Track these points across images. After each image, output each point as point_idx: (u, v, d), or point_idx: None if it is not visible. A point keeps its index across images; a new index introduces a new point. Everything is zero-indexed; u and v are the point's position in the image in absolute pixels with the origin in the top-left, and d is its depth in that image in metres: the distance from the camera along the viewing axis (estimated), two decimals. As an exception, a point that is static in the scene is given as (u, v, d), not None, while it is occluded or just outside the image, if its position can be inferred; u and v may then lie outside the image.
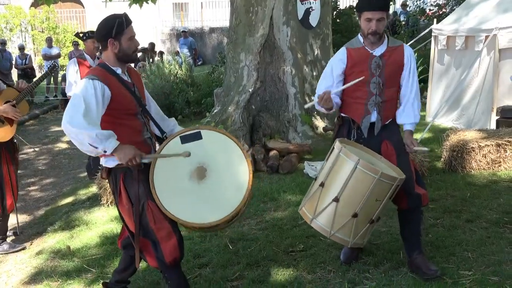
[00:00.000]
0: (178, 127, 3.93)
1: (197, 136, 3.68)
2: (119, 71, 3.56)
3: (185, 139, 3.66)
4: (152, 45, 19.37)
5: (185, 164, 3.58)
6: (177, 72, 12.78)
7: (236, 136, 7.88)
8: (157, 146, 3.80)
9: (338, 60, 4.12)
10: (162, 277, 3.79)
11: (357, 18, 4.05)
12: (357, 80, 3.95)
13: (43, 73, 6.25)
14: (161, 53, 19.25)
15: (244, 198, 3.60)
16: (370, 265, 4.34)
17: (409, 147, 4.09)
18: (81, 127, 3.21)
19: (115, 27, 3.45)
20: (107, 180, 3.82)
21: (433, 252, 4.44)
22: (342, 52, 4.13)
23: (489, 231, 4.81)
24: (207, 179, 3.62)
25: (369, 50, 4.04)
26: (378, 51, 4.03)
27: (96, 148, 3.28)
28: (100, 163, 3.63)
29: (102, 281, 4.06)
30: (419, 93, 4.15)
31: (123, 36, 3.49)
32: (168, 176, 3.56)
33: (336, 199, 3.78)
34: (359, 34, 4.11)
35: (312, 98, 4.10)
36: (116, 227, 5.50)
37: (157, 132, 3.84)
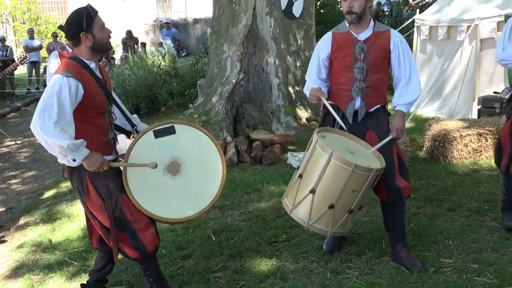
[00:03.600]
0: (142, 124, 3.92)
1: (171, 131, 3.66)
2: (93, 65, 3.48)
3: (158, 133, 3.63)
4: (129, 33, 19.17)
5: (159, 159, 3.55)
6: (160, 64, 12.70)
7: (219, 128, 7.90)
8: (122, 141, 3.78)
9: (324, 44, 4.13)
10: (140, 269, 3.77)
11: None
12: (337, 117, 3.98)
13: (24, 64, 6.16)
14: (144, 44, 19.10)
15: (219, 191, 3.61)
16: (352, 254, 4.36)
17: (396, 132, 4.00)
18: (52, 137, 3.15)
19: (84, 20, 3.37)
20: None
21: (414, 241, 4.47)
22: (327, 37, 4.13)
23: (470, 220, 4.85)
24: (181, 173, 3.61)
25: (354, 34, 4.02)
26: (363, 35, 4.00)
27: (66, 156, 3.24)
28: (61, 162, 3.51)
29: (81, 283, 4.02)
30: (414, 75, 4.05)
31: (94, 27, 3.41)
32: (142, 172, 3.53)
33: (312, 191, 3.79)
34: (345, 20, 4.10)
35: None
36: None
37: (127, 127, 3.83)
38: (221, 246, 4.69)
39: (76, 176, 3.52)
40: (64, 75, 3.27)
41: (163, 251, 4.64)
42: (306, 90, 4.20)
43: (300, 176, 3.89)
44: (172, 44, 18.93)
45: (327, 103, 4.04)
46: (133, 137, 3.81)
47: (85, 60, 3.45)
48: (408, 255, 4.09)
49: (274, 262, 4.33)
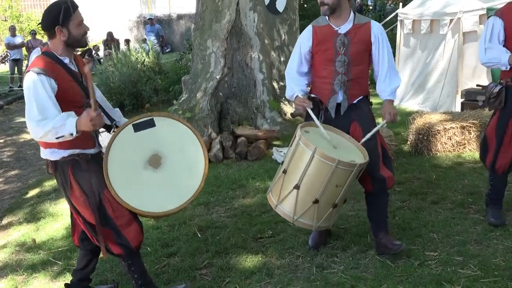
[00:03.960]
0: (123, 118, 3.89)
1: (150, 124, 3.63)
2: (66, 60, 3.43)
3: (138, 127, 3.60)
4: (110, 34, 19.05)
5: (139, 152, 3.53)
6: (144, 60, 12.63)
7: (204, 124, 7.87)
8: (103, 135, 3.74)
9: (305, 38, 4.11)
10: (124, 266, 3.75)
11: None
12: (321, 128, 3.96)
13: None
14: (127, 41, 18.99)
15: (201, 184, 3.59)
16: (338, 249, 4.37)
17: (390, 116, 4.00)
18: (38, 133, 3.17)
19: (62, 14, 3.30)
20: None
21: (399, 235, 4.49)
22: (308, 30, 4.11)
23: (454, 212, 4.88)
24: (162, 167, 3.58)
25: (334, 27, 4.00)
26: (344, 28, 3.99)
27: (63, 136, 3.20)
28: (44, 157, 3.51)
29: (65, 283, 3.99)
30: (393, 67, 4.08)
31: (71, 23, 3.34)
32: (123, 166, 3.50)
33: (297, 187, 3.79)
34: None
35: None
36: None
37: (106, 121, 3.76)
38: (207, 243, 4.67)
39: (60, 172, 3.48)
40: (35, 72, 3.23)
41: (148, 249, 4.61)
42: (289, 93, 4.18)
43: (285, 171, 3.89)
44: (156, 41, 18.81)
45: (312, 114, 4.00)
46: (113, 131, 3.77)
47: (58, 56, 3.39)
48: (389, 239, 4.13)
49: (260, 258, 4.33)
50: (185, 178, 3.61)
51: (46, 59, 3.35)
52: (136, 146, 3.56)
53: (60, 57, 3.41)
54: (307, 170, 3.73)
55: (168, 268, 4.31)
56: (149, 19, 20.27)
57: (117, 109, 3.95)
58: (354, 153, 3.91)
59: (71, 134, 3.20)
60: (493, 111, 4.59)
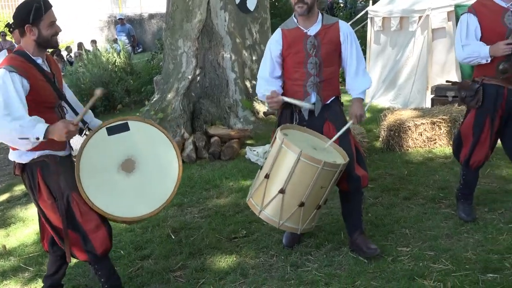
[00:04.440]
0: (96, 120, 3.84)
1: (125, 127, 3.60)
2: (39, 60, 3.39)
3: (111, 131, 3.57)
4: (80, 45, 18.83)
5: (112, 156, 3.50)
6: (116, 61, 12.52)
7: (177, 124, 7.83)
8: (75, 138, 3.70)
9: (275, 42, 4.10)
10: (91, 270, 3.70)
11: None
12: (305, 104, 3.97)
13: None
14: (94, 42, 18.74)
15: (174, 189, 3.57)
16: (312, 247, 4.39)
17: (356, 118, 4.04)
18: (5, 127, 3.07)
19: (32, 13, 3.25)
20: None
21: (372, 231, 4.53)
22: (277, 34, 4.10)
23: (425, 207, 4.94)
24: (135, 171, 3.55)
25: (303, 29, 4.01)
26: (313, 30, 4.00)
27: (28, 138, 3.13)
28: (12, 159, 3.45)
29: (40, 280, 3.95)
30: (364, 66, 4.12)
31: (41, 22, 3.30)
32: (95, 170, 3.47)
33: (282, 191, 3.77)
34: (293, 15, 4.09)
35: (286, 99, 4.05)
36: (54, 223, 5.36)
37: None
38: (181, 245, 4.65)
39: (28, 173, 3.42)
40: (7, 69, 3.17)
41: (122, 252, 4.58)
42: (259, 91, 4.18)
43: (267, 176, 3.84)
44: (127, 40, 18.67)
45: (287, 98, 4.00)
46: (85, 134, 3.72)
47: (31, 55, 3.34)
48: (364, 240, 4.15)
49: (234, 258, 4.32)
50: (159, 183, 3.58)
51: (19, 58, 3.30)
52: (109, 150, 3.52)
53: (33, 57, 3.35)
54: (292, 173, 3.71)
55: (142, 271, 4.27)
56: (119, 19, 20.10)
57: (89, 111, 3.88)
58: (333, 153, 3.93)
59: (37, 138, 3.13)
60: (466, 107, 4.62)
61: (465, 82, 4.63)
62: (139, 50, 20.70)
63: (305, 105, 4.00)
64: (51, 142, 3.30)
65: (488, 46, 4.13)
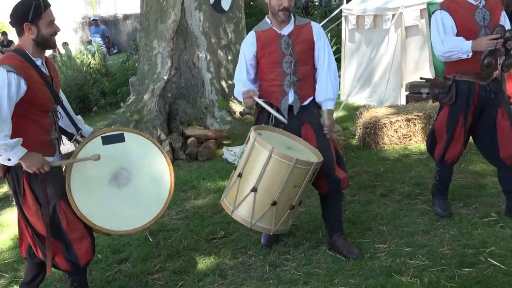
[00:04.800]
0: (87, 127, 3.77)
1: (120, 138, 3.55)
2: (39, 62, 3.30)
3: (106, 140, 3.51)
4: (65, 44, 18.59)
5: (105, 167, 3.45)
6: (90, 62, 12.41)
7: (153, 126, 7.79)
8: (66, 144, 3.65)
9: (249, 44, 4.11)
10: (67, 280, 3.66)
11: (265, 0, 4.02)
12: (278, 115, 3.99)
13: None
14: (65, 44, 18.48)
15: (165, 205, 3.55)
16: (290, 246, 4.40)
17: (326, 129, 4.05)
18: None
19: (32, 11, 3.16)
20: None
21: (350, 228, 4.55)
22: (251, 36, 4.11)
23: (402, 204, 4.98)
24: (127, 184, 3.51)
25: (277, 30, 4.03)
26: (286, 30, 4.02)
27: (0, 155, 3.09)
28: None
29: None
30: (335, 68, 4.13)
31: (41, 21, 3.22)
32: (87, 180, 3.41)
33: (254, 189, 3.77)
34: (266, 17, 4.10)
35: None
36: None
37: (71, 129, 3.65)
38: (159, 247, 4.63)
39: (12, 176, 3.34)
40: (5, 69, 3.08)
41: (99, 256, 4.53)
42: (238, 95, 4.16)
43: (240, 175, 3.85)
44: (101, 42, 18.48)
45: (260, 101, 4.01)
46: (75, 140, 3.65)
47: (31, 56, 3.26)
48: (345, 243, 4.17)
49: (213, 260, 4.31)
50: (149, 198, 3.56)
51: (18, 57, 3.21)
52: (102, 160, 3.44)
53: (33, 58, 3.27)
54: (264, 170, 3.71)
55: (120, 274, 4.24)
56: (93, 20, 19.90)
57: (79, 116, 3.81)
58: (308, 153, 3.93)
59: (9, 160, 3.11)
60: (438, 104, 4.66)
61: (436, 79, 4.67)
62: (114, 51, 20.53)
63: (277, 115, 4.00)
64: (40, 147, 3.27)
65: (470, 41, 4.15)
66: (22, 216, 3.44)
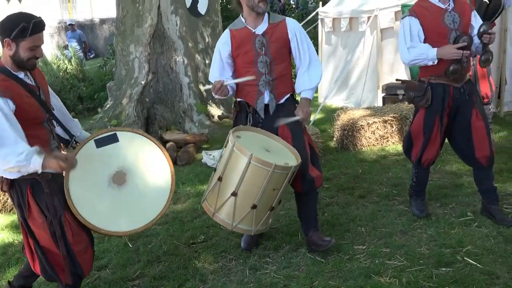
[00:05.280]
0: (84, 132, 3.73)
1: (113, 139, 3.50)
2: (21, 75, 3.24)
3: (100, 143, 3.47)
4: None
5: (103, 169, 3.42)
6: (67, 67, 12.30)
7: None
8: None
9: (223, 43, 4.12)
10: None
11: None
12: (247, 78, 3.98)
13: None
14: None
15: (168, 201, 3.52)
16: (270, 249, 4.41)
17: (303, 113, 4.06)
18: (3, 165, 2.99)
19: (17, 30, 3.10)
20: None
21: (329, 231, 4.58)
22: (225, 35, 4.12)
23: (380, 205, 5.03)
24: (127, 183, 3.48)
25: (251, 29, 4.04)
26: (260, 29, 4.04)
27: (28, 172, 3.07)
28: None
29: (8, 281, 3.84)
30: (317, 61, 4.14)
31: (23, 42, 3.13)
32: (85, 184, 3.38)
33: (234, 194, 3.79)
34: (240, 15, 4.11)
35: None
36: (7, 237, 5.23)
37: (65, 135, 3.60)
38: (138, 253, 4.61)
39: (16, 190, 3.29)
40: None
41: (78, 263, 4.49)
42: (212, 89, 4.18)
43: (220, 179, 3.87)
44: (78, 47, 18.34)
45: (231, 81, 4.04)
46: (72, 147, 3.60)
47: (11, 70, 3.20)
48: (319, 234, 4.21)
49: (193, 264, 4.31)
50: (151, 195, 3.52)
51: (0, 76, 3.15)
52: (98, 163, 3.42)
53: (14, 72, 3.20)
54: (244, 176, 3.73)
55: (99, 281, 4.21)
56: (69, 24, 19.73)
57: (76, 120, 3.77)
58: (286, 155, 3.95)
59: (37, 172, 3.07)
60: (414, 106, 4.72)
61: (411, 82, 4.72)
62: (91, 56, 20.38)
63: (246, 79, 3.98)
64: None
65: (436, 49, 4.20)
66: (27, 229, 3.38)
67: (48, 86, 3.52)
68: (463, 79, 4.38)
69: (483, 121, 4.38)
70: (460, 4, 4.34)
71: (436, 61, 4.22)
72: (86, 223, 3.35)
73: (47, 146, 3.33)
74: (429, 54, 4.23)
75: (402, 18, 4.47)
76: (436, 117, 4.42)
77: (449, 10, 4.28)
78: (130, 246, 4.75)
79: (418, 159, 4.61)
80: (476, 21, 4.36)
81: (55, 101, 3.59)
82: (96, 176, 3.44)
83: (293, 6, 17.40)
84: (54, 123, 3.47)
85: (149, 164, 3.59)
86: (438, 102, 4.39)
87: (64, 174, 3.36)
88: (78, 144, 3.55)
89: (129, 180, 3.50)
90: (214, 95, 4.17)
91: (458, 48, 4.14)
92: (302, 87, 4.15)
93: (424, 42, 4.32)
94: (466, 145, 4.46)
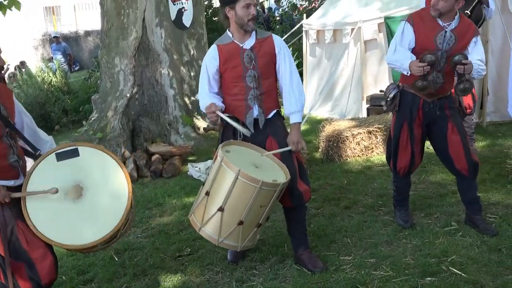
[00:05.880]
0: (55, 145, 3.72)
1: (74, 153, 3.51)
2: None
3: (60, 156, 3.47)
4: (22, 63, 18.31)
5: (60, 183, 3.42)
6: (52, 80, 12.26)
7: (117, 143, 7.73)
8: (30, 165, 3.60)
9: (211, 58, 4.11)
10: None
11: (226, 12, 3.99)
12: (242, 130, 3.99)
13: None
14: (22, 63, 18.17)
15: (123, 217, 3.50)
16: (256, 261, 4.41)
17: (293, 146, 4.09)
18: None
19: None
20: None
21: (315, 242, 4.60)
22: (213, 50, 4.11)
23: (365, 216, 5.06)
24: (83, 197, 3.47)
25: (239, 44, 4.05)
26: (248, 44, 4.05)
27: None
28: None
29: None
30: (298, 79, 4.16)
31: None
32: (42, 198, 3.37)
33: (221, 209, 3.77)
34: (227, 30, 4.11)
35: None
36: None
37: (29, 149, 3.58)
38: (124, 266, 4.59)
39: None
40: None
41: (64, 277, 4.48)
42: (203, 109, 4.16)
43: (207, 193, 3.85)
44: (63, 59, 18.28)
45: (223, 116, 4.01)
46: (36, 159, 3.60)
47: None
48: (310, 257, 4.21)
49: (179, 277, 4.30)
50: (107, 210, 3.50)
51: None
52: (57, 176, 3.42)
53: None
54: (231, 192, 3.72)
55: (85, 296, 4.19)
56: (54, 37, 19.67)
57: (50, 138, 3.76)
58: (275, 171, 3.94)
59: None
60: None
61: (388, 86, 4.76)
62: (76, 68, 20.33)
63: (241, 129, 4.00)
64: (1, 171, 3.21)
65: (410, 60, 4.26)
66: None
67: (16, 103, 3.50)
68: (436, 96, 4.42)
69: (459, 135, 4.42)
70: (463, 28, 4.31)
71: (409, 72, 4.29)
72: (40, 234, 3.33)
73: (5, 160, 3.33)
74: (404, 63, 4.30)
75: (400, 20, 4.50)
76: (404, 124, 4.50)
77: (447, 30, 4.28)
78: (116, 259, 4.73)
79: (394, 167, 4.68)
80: (475, 47, 4.32)
81: (27, 119, 3.58)
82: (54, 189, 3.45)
83: (278, 18, 17.46)
84: (17, 137, 3.45)
85: (107, 180, 3.58)
86: (406, 110, 4.48)
87: (22, 186, 3.35)
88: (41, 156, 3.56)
89: (86, 194, 3.49)
90: (206, 116, 4.16)
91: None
92: (291, 109, 4.14)
93: (414, 51, 4.36)
94: (445, 157, 4.54)
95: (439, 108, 4.42)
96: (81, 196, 3.47)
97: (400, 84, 4.56)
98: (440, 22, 4.29)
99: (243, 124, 4.10)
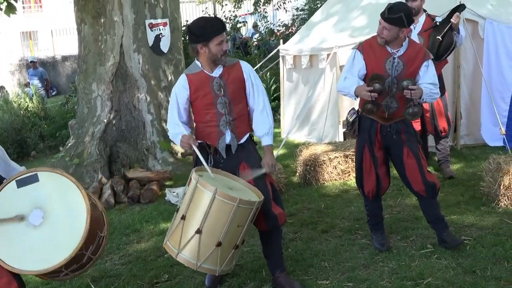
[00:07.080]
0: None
1: (34, 179, 3.52)
2: None
3: (21, 183, 3.49)
4: (0, 88, 18.20)
5: (20, 209, 3.41)
6: (28, 105, 12.17)
7: (94, 169, 7.68)
8: None
9: (181, 87, 4.16)
10: None
11: (198, 48, 4.05)
12: (208, 168, 4.05)
13: None
14: (1, 88, 18.05)
15: (81, 241, 3.48)
16: (234, 286, 4.42)
17: (267, 168, 4.18)
18: None
19: None
20: None
21: (293, 266, 4.62)
22: (183, 79, 4.17)
23: (342, 239, 5.10)
24: (43, 223, 3.46)
25: (208, 73, 4.11)
26: (216, 72, 4.12)
27: None
28: None
29: None
30: (268, 103, 4.26)
31: None
32: (2, 224, 3.37)
33: (198, 231, 3.77)
34: (195, 60, 4.17)
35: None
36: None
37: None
38: (101, 294, 4.55)
39: None
40: None
41: (39, 307, 4.41)
42: (174, 137, 4.22)
43: (183, 217, 3.85)
44: (40, 84, 18.18)
45: (198, 152, 4.06)
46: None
47: None
48: (287, 279, 4.23)
49: (157, 304, 4.28)
50: (66, 235, 3.49)
51: None
52: (17, 203, 3.43)
53: None
54: (208, 212, 3.74)
55: (61, 325, 4.14)
56: (31, 62, 19.58)
57: (23, 168, 3.75)
58: (248, 193, 3.99)
59: None
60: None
61: (350, 111, 4.87)
62: (53, 93, 20.20)
63: (208, 169, 4.05)
64: None
65: (356, 86, 4.44)
66: None
67: None
68: (392, 120, 4.54)
69: (414, 159, 4.54)
70: (412, 53, 4.45)
71: (356, 98, 4.46)
72: (2, 263, 3.33)
73: None
74: (351, 90, 4.48)
75: (352, 48, 4.64)
76: (365, 148, 4.63)
77: (395, 56, 4.43)
78: (93, 287, 4.68)
79: (362, 191, 4.77)
80: (427, 72, 4.45)
81: None
82: (12, 216, 3.43)
83: (255, 43, 17.60)
84: None
85: (67, 205, 3.57)
86: (365, 134, 4.62)
87: None
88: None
89: (45, 219, 3.48)
90: (178, 143, 4.19)
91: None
92: (262, 131, 4.24)
93: (365, 78, 4.49)
94: (404, 180, 4.69)
95: (396, 132, 4.55)
96: (41, 222, 3.46)
97: (358, 109, 4.67)
98: (388, 49, 4.45)
99: (215, 150, 4.16)
